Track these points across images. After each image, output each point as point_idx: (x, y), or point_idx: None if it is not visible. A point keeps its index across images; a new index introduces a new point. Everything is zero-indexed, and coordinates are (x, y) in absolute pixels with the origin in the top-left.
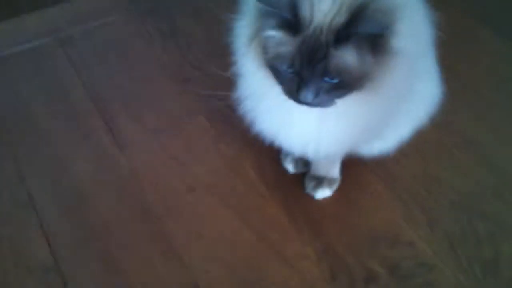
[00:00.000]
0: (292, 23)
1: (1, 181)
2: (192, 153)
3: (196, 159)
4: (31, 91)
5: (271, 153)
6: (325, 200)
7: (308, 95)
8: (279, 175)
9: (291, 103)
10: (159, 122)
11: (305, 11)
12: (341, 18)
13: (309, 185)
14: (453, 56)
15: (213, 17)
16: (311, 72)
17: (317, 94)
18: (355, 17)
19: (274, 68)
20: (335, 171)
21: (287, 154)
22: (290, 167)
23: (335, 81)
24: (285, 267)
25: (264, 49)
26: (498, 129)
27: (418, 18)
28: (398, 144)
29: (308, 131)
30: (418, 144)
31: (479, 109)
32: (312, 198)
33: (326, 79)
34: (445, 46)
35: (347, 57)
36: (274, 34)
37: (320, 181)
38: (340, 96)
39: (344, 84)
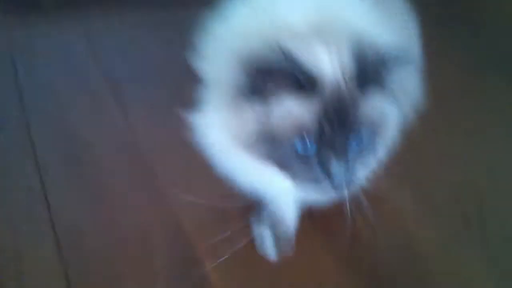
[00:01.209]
0: (304, 81)
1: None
2: None
3: None
4: None
5: None
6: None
7: (343, 167)
8: None
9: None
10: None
11: (309, 63)
12: (349, 61)
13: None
14: None
15: None
16: (342, 135)
17: (351, 168)
18: (368, 57)
19: (281, 150)
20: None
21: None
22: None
23: (363, 139)
24: None
25: (261, 129)
26: None
27: None
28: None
29: None
30: None
31: None
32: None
33: (354, 139)
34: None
35: (377, 99)
36: (289, 100)
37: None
38: (364, 163)
39: (372, 139)
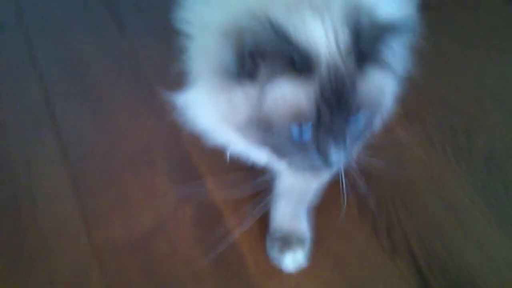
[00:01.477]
0: (300, 62)
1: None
2: None
3: None
4: None
5: None
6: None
7: (341, 153)
8: None
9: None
10: None
11: (304, 42)
12: (345, 36)
13: (273, 248)
14: None
15: None
16: (340, 119)
17: (349, 149)
18: (365, 29)
19: (276, 138)
20: (302, 225)
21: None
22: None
23: (361, 121)
24: None
25: (254, 113)
26: None
27: None
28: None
29: None
30: None
31: None
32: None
33: (352, 122)
34: None
35: (377, 77)
36: (284, 84)
37: (286, 239)
38: (359, 140)
39: (369, 120)
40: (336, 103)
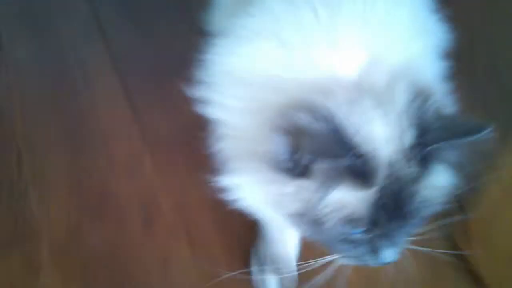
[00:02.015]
0: (361, 170)
1: None
2: None
3: None
4: None
5: None
6: None
7: (394, 253)
8: None
9: None
10: None
11: (365, 146)
12: (410, 137)
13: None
14: None
15: None
16: (398, 224)
17: (401, 246)
18: (432, 128)
19: (326, 233)
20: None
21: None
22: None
23: (419, 222)
24: None
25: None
26: None
27: None
28: None
29: None
30: None
31: None
32: None
33: (409, 226)
34: None
35: (440, 178)
36: (340, 188)
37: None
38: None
39: (426, 216)
40: (393, 210)
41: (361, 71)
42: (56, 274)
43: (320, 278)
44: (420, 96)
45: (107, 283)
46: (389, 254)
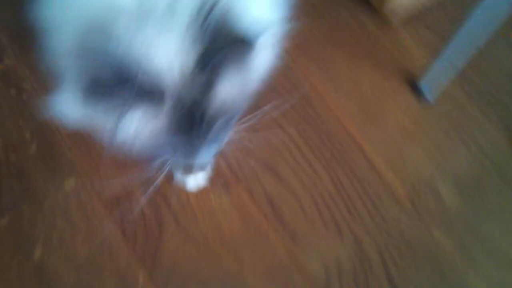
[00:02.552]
0: (150, 90)
1: None
2: None
3: None
4: None
5: None
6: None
7: (206, 155)
8: None
9: None
10: None
11: (151, 65)
12: (193, 49)
13: (177, 172)
14: None
15: None
16: (200, 133)
17: (215, 147)
18: (219, 43)
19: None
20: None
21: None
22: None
23: (221, 132)
24: None
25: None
26: None
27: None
28: None
29: None
30: None
31: None
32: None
33: (212, 138)
34: None
35: (234, 82)
36: (141, 114)
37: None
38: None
39: (230, 123)
40: (193, 120)
41: None
42: None
43: (156, 182)
44: (205, 5)
45: None
46: (200, 158)
